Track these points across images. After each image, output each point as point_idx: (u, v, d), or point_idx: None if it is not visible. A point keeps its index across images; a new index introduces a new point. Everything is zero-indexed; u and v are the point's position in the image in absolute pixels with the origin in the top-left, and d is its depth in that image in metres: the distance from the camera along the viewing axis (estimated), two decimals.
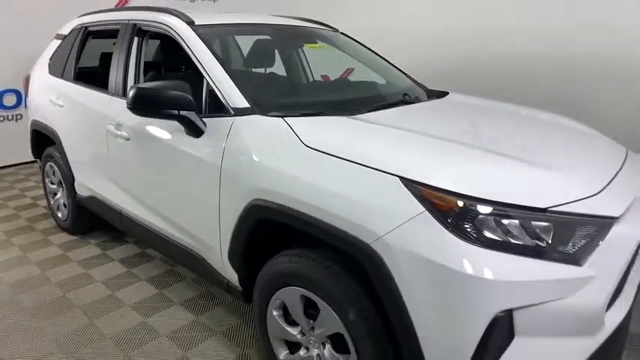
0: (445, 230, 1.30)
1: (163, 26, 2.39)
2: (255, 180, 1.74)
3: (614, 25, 3.62)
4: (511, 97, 3.75)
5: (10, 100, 5.03)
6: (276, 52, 3.04)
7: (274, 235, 1.82)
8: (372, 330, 1.47)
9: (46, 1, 4.82)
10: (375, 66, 2.91)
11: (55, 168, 3.32)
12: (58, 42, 3.40)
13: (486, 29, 4.50)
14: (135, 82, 2.55)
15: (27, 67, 3.75)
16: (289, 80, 3.04)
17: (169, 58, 2.93)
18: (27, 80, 3.65)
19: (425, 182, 1.36)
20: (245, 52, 3.18)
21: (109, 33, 2.92)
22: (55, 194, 3.48)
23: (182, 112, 1.93)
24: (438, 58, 4.96)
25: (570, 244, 1.33)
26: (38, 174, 4.51)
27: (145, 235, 2.54)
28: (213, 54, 2.11)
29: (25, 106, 4.78)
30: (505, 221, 1.31)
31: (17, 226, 3.60)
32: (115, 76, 2.66)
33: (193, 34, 2.22)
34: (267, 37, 2.86)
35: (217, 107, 1.98)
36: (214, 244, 2.00)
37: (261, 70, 2.95)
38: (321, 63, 3.31)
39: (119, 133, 2.46)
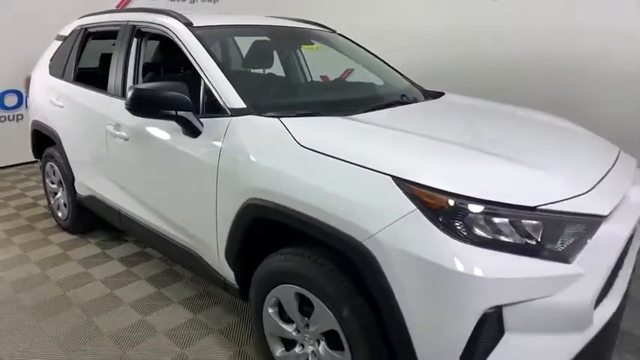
0: (436, 228, 1.33)
1: (162, 28, 2.41)
2: (251, 179, 1.76)
3: (613, 26, 3.63)
4: (510, 98, 3.77)
5: (11, 100, 5.06)
6: (275, 53, 3.06)
7: (270, 233, 1.85)
8: (365, 327, 1.50)
9: (47, 2, 4.86)
10: (371, 66, 2.93)
11: (56, 168, 3.35)
12: (59, 43, 3.43)
13: (486, 30, 4.53)
14: (134, 83, 2.58)
15: (28, 67, 3.78)
16: (286, 81, 3.07)
17: (168, 59, 2.96)
18: (28, 81, 3.68)
19: (416, 181, 1.39)
20: (244, 53, 3.21)
21: (108, 34, 2.95)
22: (56, 194, 3.51)
23: (179, 113, 1.96)
24: (437, 58, 4.99)
25: (559, 242, 1.35)
26: (39, 174, 4.55)
27: (143, 234, 2.57)
28: (210, 55, 2.14)
29: (26, 107, 4.82)
30: (495, 219, 1.34)
31: (18, 225, 3.63)
32: (114, 77, 2.69)
33: (191, 35, 2.24)
34: (266, 39, 2.89)
35: (214, 108, 2.01)
36: (211, 243, 2.03)
37: (260, 71, 2.99)
38: (319, 64, 3.34)
39: (118, 133, 2.48)
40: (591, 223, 1.40)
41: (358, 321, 1.50)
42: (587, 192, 1.46)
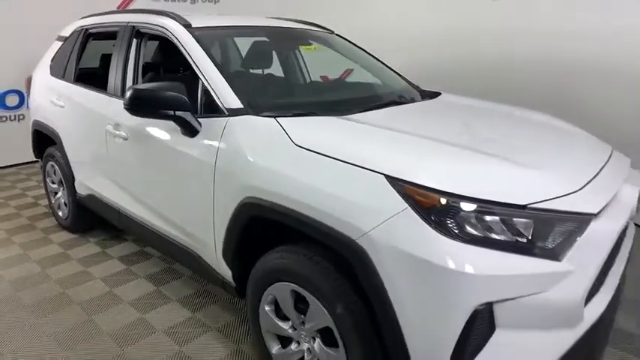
0: (427, 226, 1.34)
1: (161, 28, 2.44)
2: (247, 178, 1.78)
3: (613, 26, 3.64)
4: (510, 98, 3.78)
5: (12, 100, 5.09)
6: (275, 53, 3.09)
7: (267, 232, 1.87)
8: (359, 324, 1.52)
9: (48, 3, 4.89)
10: (368, 67, 2.96)
11: (56, 167, 3.38)
12: (60, 44, 3.46)
13: (486, 30, 4.54)
14: (133, 84, 2.60)
15: (29, 68, 3.82)
16: (284, 81, 3.09)
17: (168, 59, 2.99)
18: (29, 81, 3.71)
19: (409, 180, 1.41)
20: (244, 53, 3.23)
21: (108, 35, 2.98)
22: (56, 193, 3.54)
23: (177, 113, 1.99)
24: (437, 58, 5.01)
25: (549, 239, 1.37)
26: (39, 174, 4.58)
27: (142, 232, 2.60)
28: (208, 56, 2.16)
29: (27, 107, 4.84)
30: (486, 217, 1.35)
31: (18, 224, 3.66)
32: (113, 78, 2.71)
33: (190, 36, 2.27)
34: (264, 39, 2.91)
35: (212, 108, 2.03)
36: (209, 241, 2.05)
37: (259, 72, 3.01)
38: (318, 64, 3.36)
39: (118, 133, 2.51)
40: (581, 221, 1.41)
41: (352, 318, 1.52)
42: (577, 190, 1.48)
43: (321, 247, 1.62)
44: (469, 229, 1.35)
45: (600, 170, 1.68)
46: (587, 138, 2.09)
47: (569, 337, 1.39)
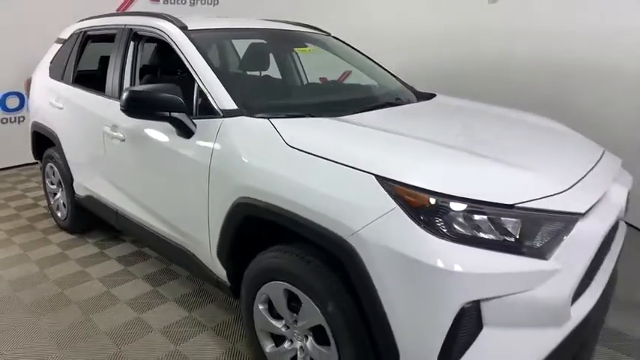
0: (416, 225, 1.36)
1: (157, 31, 2.47)
2: (241, 178, 1.81)
3: (613, 27, 3.66)
4: (510, 98, 3.80)
5: (12, 102, 5.13)
6: (272, 56, 3.11)
7: (261, 232, 1.89)
8: (350, 322, 1.54)
9: (48, 5, 4.92)
10: (364, 68, 2.98)
11: (55, 169, 3.41)
12: (59, 46, 3.49)
13: (486, 30, 4.56)
14: (130, 85, 2.63)
15: (29, 70, 3.85)
16: (280, 83, 3.11)
17: (165, 61, 3.01)
18: (28, 83, 3.74)
19: (398, 180, 1.43)
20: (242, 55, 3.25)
21: (107, 37, 3.01)
22: (55, 194, 3.57)
23: (173, 114, 2.01)
24: (437, 58, 5.03)
25: (537, 238, 1.39)
26: (39, 175, 4.59)
27: (139, 233, 2.62)
28: (204, 58, 2.19)
29: (27, 109, 4.88)
30: (474, 217, 1.37)
31: (18, 225, 3.69)
32: (111, 79, 2.74)
33: (186, 38, 2.29)
34: (261, 41, 2.94)
35: (207, 109, 2.06)
36: (204, 241, 2.07)
37: (257, 74, 3.03)
38: (314, 66, 3.38)
39: (115, 134, 2.54)
40: (568, 220, 1.43)
41: (343, 316, 1.54)
42: (565, 190, 1.49)
43: (313, 246, 1.64)
44: (457, 228, 1.37)
45: (590, 171, 1.70)
46: (578, 139, 2.11)
47: (556, 335, 1.40)
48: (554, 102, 4.06)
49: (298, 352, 1.80)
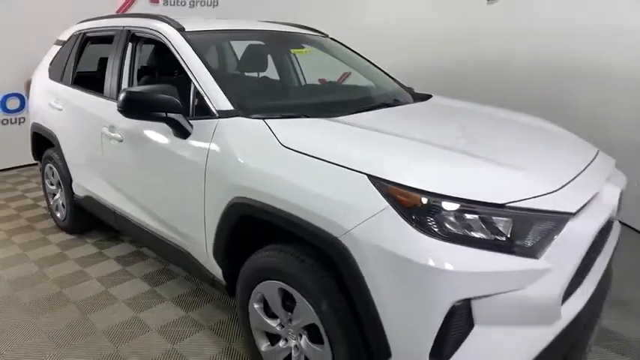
0: (408, 225, 1.38)
1: (155, 32, 2.49)
2: (236, 179, 1.82)
3: (613, 27, 3.66)
4: (510, 98, 3.80)
5: (13, 104, 5.16)
6: (270, 57, 3.12)
7: (256, 231, 1.91)
8: (343, 320, 1.55)
9: (48, 7, 4.95)
10: (361, 69, 2.99)
11: (54, 169, 3.43)
12: (58, 47, 3.51)
13: (485, 30, 4.57)
14: (129, 86, 2.65)
15: (29, 71, 3.87)
16: (277, 84, 3.13)
17: (162, 62, 3.03)
18: (28, 84, 3.77)
19: (390, 180, 1.44)
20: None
21: (105, 39, 3.03)
22: (55, 195, 3.59)
23: (170, 115, 2.03)
24: (437, 58, 5.04)
25: (528, 237, 1.40)
26: (39, 176, 4.61)
27: (138, 233, 2.64)
28: (200, 59, 2.20)
29: (27, 110, 4.90)
30: (466, 216, 1.39)
31: (18, 225, 3.71)
32: (109, 81, 2.76)
33: (182, 39, 2.31)
34: (260, 43, 2.95)
35: (204, 110, 2.07)
36: (200, 241, 2.09)
37: (255, 75, 3.05)
38: (313, 67, 3.40)
39: (113, 135, 2.55)
40: (559, 219, 1.44)
41: (336, 315, 1.55)
42: (557, 190, 1.51)
43: (308, 245, 1.65)
44: (449, 227, 1.38)
45: (582, 171, 1.71)
46: (571, 139, 2.12)
47: (547, 334, 1.41)
48: (554, 102, 4.07)
49: (293, 351, 1.81)
